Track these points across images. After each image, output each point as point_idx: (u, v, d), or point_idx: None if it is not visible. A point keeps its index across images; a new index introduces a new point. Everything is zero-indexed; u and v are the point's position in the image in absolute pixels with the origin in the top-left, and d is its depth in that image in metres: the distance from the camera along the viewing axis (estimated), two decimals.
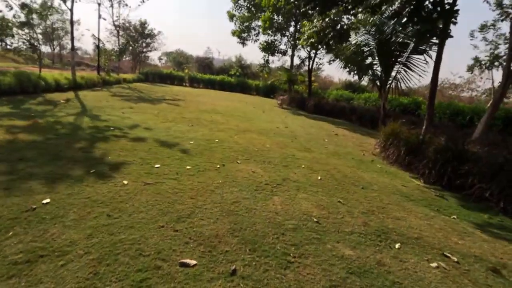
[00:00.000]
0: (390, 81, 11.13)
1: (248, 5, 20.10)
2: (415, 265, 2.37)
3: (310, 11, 8.05)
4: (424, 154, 5.35)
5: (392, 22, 9.65)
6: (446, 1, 5.00)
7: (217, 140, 5.97)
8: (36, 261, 1.88)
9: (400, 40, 10.36)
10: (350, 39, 10.25)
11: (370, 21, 10.49)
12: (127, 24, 26.27)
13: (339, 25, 8.81)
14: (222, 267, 2.04)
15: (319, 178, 4.38)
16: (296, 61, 21.63)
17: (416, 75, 10.18)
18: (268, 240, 2.46)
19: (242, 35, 22.21)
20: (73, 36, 13.43)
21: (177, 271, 1.94)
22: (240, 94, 26.04)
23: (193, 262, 2.05)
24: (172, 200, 2.99)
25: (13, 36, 9.80)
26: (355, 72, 12.57)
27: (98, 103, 9.53)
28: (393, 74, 11.03)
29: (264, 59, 21.27)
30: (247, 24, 21.24)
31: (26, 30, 9.81)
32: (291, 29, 17.48)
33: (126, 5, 20.24)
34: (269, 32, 18.63)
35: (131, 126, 6.44)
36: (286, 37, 19.33)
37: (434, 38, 7.18)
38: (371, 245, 2.58)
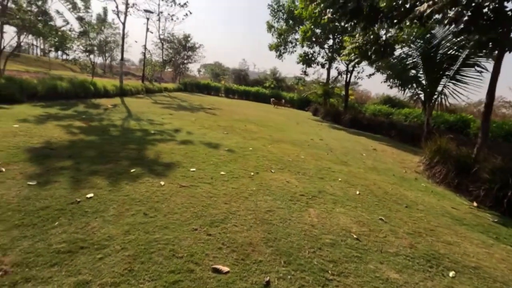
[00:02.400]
0: (435, 96, 10.42)
1: (287, 17, 20.33)
2: None
3: (352, 27, 7.86)
4: (478, 174, 4.81)
5: (443, 32, 9.10)
6: (508, 8, 4.55)
7: (250, 148, 5.95)
8: (76, 252, 1.93)
9: (450, 52, 9.71)
10: (394, 53, 9.80)
11: (415, 33, 9.96)
12: (171, 37, 27.95)
13: (382, 39, 8.47)
14: (256, 277, 1.93)
15: (357, 192, 4.12)
16: (333, 73, 21.28)
17: (466, 90, 9.45)
18: (304, 253, 2.31)
19: (279, 48, 22.43)
20: (123, 48, 14.58)
21: (210, 277, 1.87)
22: None
23: (226, 269, 1.96)
24: (206, 204, 2.97)
25: (72, 48, 10.90)
26: (397, 85, 11.97)
27: (141, 109, 10.11)
28: (440, 88, 10.33)
29: (302, 71, 21.17)
30: (284, 36, 21.43)
31: (83, 40, 10.87)
32: (330, 41, 17.31)
33: (172, 18, 21.52)
34: (307, 43, 18.59)
35: (170, 130, 6.68)
36: (324, 50, 19.14)
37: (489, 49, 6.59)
38: (419, 270, 2.30)
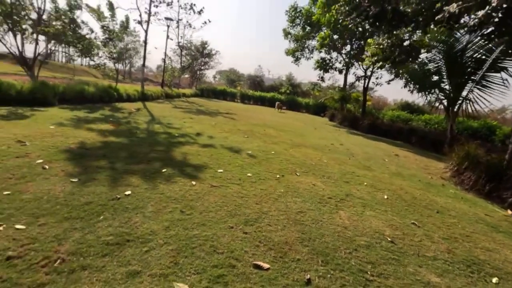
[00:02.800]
0: (460, 101, 10.12)
1: (304, 23, 20.44)
2: None
3: (375, 31, 7.82)
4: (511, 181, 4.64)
5: (470, 35, 8.87)
6: None
7: (273, 152, 5.98)
8: (124, 244, 2.01)
9: (476, 55, 9.44)
10: (420, 56, 9.63)
11: (439, 37, 9.75)
12: (189, 44, 28.65)
13: (407, 43, 8.37)
14: (296, 275, 1.95)
15: (385, 197, 4.06)
16: (351, 79, 21.15)
17: (491, 96, 9.13)
18: (340, 254, 2.31)
19: (296, 53, 22.52)
20: (145, 55, 15.10)
21: (252, 272, 1.91)
22: (290, 111, 26.18)
23: (266, 265, 1.99)
24: (238, 203, 3.02)
25: (97, 54, 11.40)
26: (418, 91, 11.71)
27: (162, 113, 10.39)
28: (464, 93, 10.04)
29: (319, 76, 21.13)
30: (301, 42, 21.52)
31: (108, 48, 11.36)
32: (348, 47, 17.27)
33: (190, 26, 22.09)
34: (325, 49, 18.59)
35: (192, 134, 6.83)
36: (341, 55, 19.07)
37: None
38: (461, 275, 2.25)
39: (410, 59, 8.80)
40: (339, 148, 8.15)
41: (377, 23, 6.79)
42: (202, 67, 33.91)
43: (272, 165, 4.90)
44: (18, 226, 2.04)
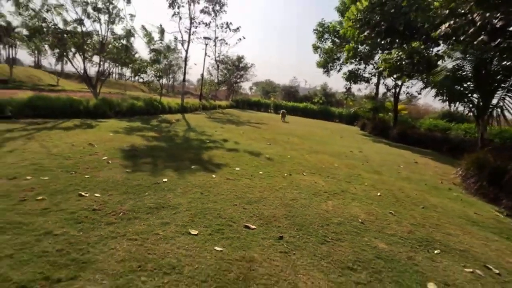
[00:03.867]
0: (490, 109, 9.91)
1: (332, 37, 21.02)
2: (448, 267, 2.57)
3: (388, 44, 8.31)
4: (510, 184, 4.87)
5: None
6: None
7: (289, 156, 6.78)
8: (160, 208, 3.02)
9: (505, 63, 9.27)
10: (437, 67, 9.78)
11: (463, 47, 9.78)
12: (226, 59, 30.68)
13: (421, 55, 8.64)
14: (273, 233, 2.78)
15: (378, 194, 4.64)
16: (383, 89, 21.05)
17: None
18: (313, 226, 3.07)
19: (326, 65, 23.07)
20: (185, 71, 16.93)
21: (242, 230, 2.78)
22: (322, 121, 26.52)
23: (254, 227, 2.85)
24: (245, 191, 3.92)
25: (146, 72, 13.32)
26: (447, 100, 11.56)
27: (198, 123, 11.76)
28: (495, 101, 9.83)
29: (346, 88, 21.43)
30: (330, 54, 22.06)
31: (154, 67, 13.23)
32: (376, 57, 17.39)
33: (226, 43, 23.91)
34: (353, 61, 18.93)
35: (221, 140, 7.91)
36: (370, 66, 19.22)
37: None
38: (408, 246, 2.87)
39: (420, 71, 8.99)
40: (356, 155, 8.63)
41: (389, 38, 7.31)
42: (238, 80, 35.75)
43: (284, 167, 5.71)
44: (96, 195, 3.16)
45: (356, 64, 19.46)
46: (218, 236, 2.59)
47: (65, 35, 9.32)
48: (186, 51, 15.80)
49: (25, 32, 24.59)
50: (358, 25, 7.94)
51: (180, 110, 15.16)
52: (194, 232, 2.60)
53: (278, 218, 3.17)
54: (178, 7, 16.28)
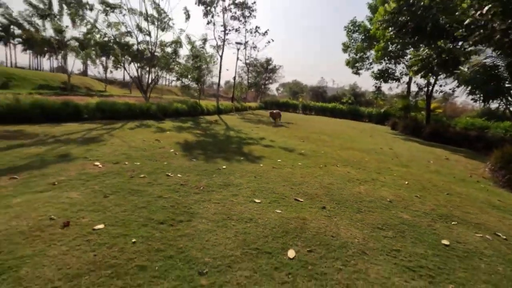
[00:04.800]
0: None
1: (362, 36, 21.20)
2: (461, 232, 3.18)
3: (416, 43, 8.67)
4: None
5: None
6: None
7: (322, 152, 7.48)
8: (228, 186, 3.93)
9: None
10: (464, 65, 9.90)
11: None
12: (255, 62, 31.77)
13: (449, 52, 8.85)
14: (318, 205, 3.56)
15: (406, 182, 5.22)
16: (415, 88, 20.82)
17: None
18: (349, 202, 3.80)
19: (356, 64, 23.23)
20: (220, 75, 18.15)
21: (293, 201, 3.60)
22: (351, 121, 26.59)
23: (302, 200, 3.66)
24: (289, 176, 4.73)
25: (187, 76, 14.65)
26: (480, 99, 11.47)
27: (234, 123, 12.79)
28: None
29: (375, 87, 21.48)
30: (361, 54, 22.22)
31: (195, 73, 14.54)
32: (408, 56, 17.36)
33: (255, 47, 24.94)
34: (383, 60, 19.01)
35: (259, 138, 8.80)
36: (401, 64, 19.15)
37: None
38: (429, 218, 3.51)
39: (449, 69, 9.17)
40: (386, 151, 9.09)
41: (416, 37, 7.72)
42: (266, 82, 36.71)
43: (319, 160, 6.45)
44: (178, 175, 4.15)
45: (386, 63, 19.50)
46: (275, 204, 3.43)
47: (124, 48, 10.81)
48: (221, 56, 17.02)
49: (75, 43, 27.58)
50: (385, 26, 8.38)
51: (216, 112, 16.36)
52: (257, 200, 3.47)
53: (319, 195, 3.94)
54: (212, 16, 17.54)
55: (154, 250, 2.18)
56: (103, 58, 38.14)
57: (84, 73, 48.88)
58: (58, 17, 23.67)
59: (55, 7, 24.31)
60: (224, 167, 4.87)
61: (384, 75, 19.45)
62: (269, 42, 25.62)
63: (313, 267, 2.20)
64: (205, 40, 15.57)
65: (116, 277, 1.83)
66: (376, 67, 20.98)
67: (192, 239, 2.41)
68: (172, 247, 2.25)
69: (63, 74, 31.41)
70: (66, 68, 29.74)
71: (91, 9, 9.81)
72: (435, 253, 2.64)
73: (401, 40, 11.81)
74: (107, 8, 9.37)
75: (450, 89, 15.83)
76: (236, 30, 22.73)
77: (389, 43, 16.16)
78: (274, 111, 14.82)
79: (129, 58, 10.96)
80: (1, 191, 2.95)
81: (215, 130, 9.81)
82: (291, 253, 2.35)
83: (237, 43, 21.28)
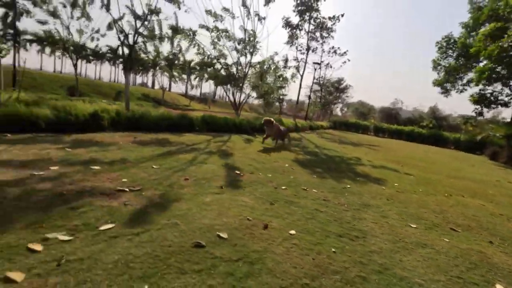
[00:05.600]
0: None
1: (458, 54, 19.40)
2: None
3: None
4: None
5: None
6: None
7: (433, 179, 6.91)
8: (368, 206, 3.89)
9: None
10: None
11: None
12: (327, 81, 31.64)
13: None
14: (480, 238, 3.27)
15: None
16: None
17: None
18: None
19: (445, 85, 21.25)
20: (299, 94, 18.59)
21: (449, 231, 3.37)
22: (433, 146, 24.12)
23: (459, 230, 3.41)
24: (423, 203, 4.47)
25: (270, 95, 15.37)
26: None
27: (318, 141, 12.79)
28: None
29: (475, 112, 19.16)
30: (452, 73, 20.30)
31: (280, 92, 15.20)
32: None
33: (331, 67, 24.90)
34: (485, 82, 17.00)
35: (356, 157, 8.60)
36: (509, 88, 16.84)
37: None
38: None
39: None
40: (507, 185, 7.94)
41: None
42: (335, 101, 36.10)
43: (436, 187, 5.97)
44: (314, 190, 4.29)
45: (488, 85, 17.37)
46: (435, 232, 3.26)
47: (223, 68, 12.01)
48: (302, 76, 17.48)
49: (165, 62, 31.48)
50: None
51: (294, 130, 16.63)
52: (413, 225, 3.35)
53: (473, 227, 3.62)
54: (297, 38, 18.22)
55: (357, 262, 2.27)
56: (184, 76, 42.70)
57: (168, 89, 55.72)
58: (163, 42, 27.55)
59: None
60: (348, 186, 4.87)
61: (486, 99, 17.30)
62: (345, 62, 25.33)
63: None
64: (286, 61, 16.23)
65: (349, 284, 1.96)
66: (472, 89, 18.82)
67: (383, 256, 2.44)
68: (372, 262, 2.31)
69: (160, 90, 36.17)
70: (161, 84, 34.20)
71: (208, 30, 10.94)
72: None
73: None
74: (220, 33, 10.60)
75: None
76: (313, 51, 23.12)
77: (494, 65, 14.45)
78: (282, 128, 9.29)
79: (226, 77, 12.05)
80: (188, 190, 3.46)
81: (309, 147, 9.95)
82: None
83: (314, 63, 21.61)
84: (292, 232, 2.64)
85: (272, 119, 8.89)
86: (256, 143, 8.99)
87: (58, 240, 1.95)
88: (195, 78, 33.24)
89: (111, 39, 42.23)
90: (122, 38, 9.05)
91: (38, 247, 1.83)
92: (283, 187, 4.18)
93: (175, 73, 28.28)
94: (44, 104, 6.03)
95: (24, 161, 3.65)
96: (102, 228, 2.20)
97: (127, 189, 3.11)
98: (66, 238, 1.99)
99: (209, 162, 5.19)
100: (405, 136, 29.31)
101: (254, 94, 13.75)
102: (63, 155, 4.22)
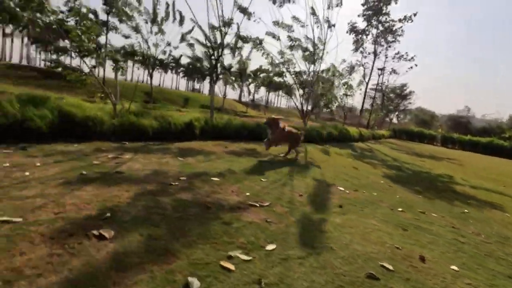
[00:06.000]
0: None
1: None
2: None
3: None
4: None
5: None
6: None
7: None
8: (507, 238, 3.42)
9: None
10: None
11: None
12: (388, 88, 29.77)
13: None
14: None
15: None
16: None
17: None
18: None
19: None
20: (364, 101, 17.75)
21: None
22: None
23: None
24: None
25: (332, 103, 14.96)
26: None
27: (390, 153, 12.00)
28: None
29: None
30: None
31: (344, 99, 14.74)
32: None
33: (394, 72, 23.34)
34: None
35: (445, 175, 7.81)
36: None
37: None
38: None
39: None
40: None
41: None
42: (396, 108, 33.76)
43: None
44: (433, 214, 3.93)
45: None
46: None
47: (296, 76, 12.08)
48: (367, 83, 16.69)
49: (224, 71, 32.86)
50: None
51: (358, 139, 15.89)
52: None
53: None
54: (362, 44, 17.50)
55: None
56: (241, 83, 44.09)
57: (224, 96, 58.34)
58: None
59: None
60: (466, 211, 4.37)
61: None
62: (411, 67, 23.49)
63: None
64: (352, 68, 15.61)
65: None
66: None
67: None
68: None
69: (220, 97, 38.15)
70: (224, 92, 36.04)
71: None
72: None
73: None
74: (294, 42, 10.67)
75: None
76: (376, 56, 21.98)
77: None
78: (294, 131, 6.53)
79: (297, 86, 12.02)
80: (309, 208, 3.42)
81: (387, 160, 9.37)
82: None
83: (379, 69, 20.48)
84: (455, 267, 2.40)
85: (277, 118, 6.32)
86: (334, 155, 8.72)
87: (240, 259, 2.01)
88: (255, 86, 34.03)
89: (177, 51, 45.12)
90: (210, 52, 9.67)
91: (230, 265, 1.91)
92: (399, 209, 3.91)
93: (232, 79, 29.29)
94: (146, 114, 6.62)
95: (154, 170, 3.98)
96: (268, 248, 2.23)
97: (257, 204, 3.17)
98: (246, 258, 2.04)
99: (307, 176, 5.11)
100: (481, 148, 26.02)
101: (321, 103, 13.42)
102: (179, 164, 4.53)
